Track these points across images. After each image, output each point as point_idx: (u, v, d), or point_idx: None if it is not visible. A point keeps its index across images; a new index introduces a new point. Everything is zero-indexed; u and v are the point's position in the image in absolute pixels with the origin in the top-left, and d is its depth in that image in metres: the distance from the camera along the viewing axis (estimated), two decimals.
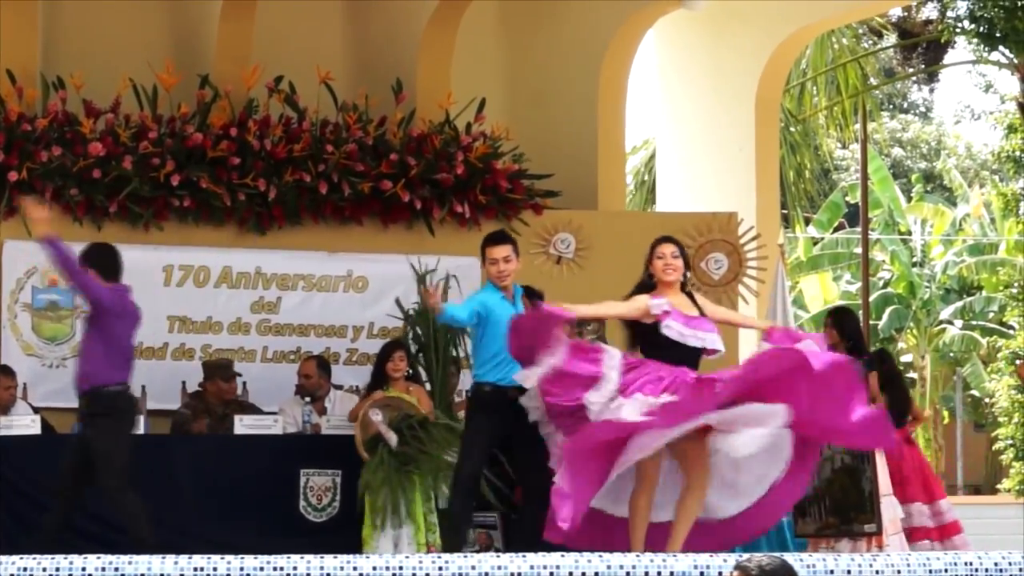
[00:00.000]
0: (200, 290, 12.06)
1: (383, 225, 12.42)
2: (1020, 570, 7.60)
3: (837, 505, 10.45)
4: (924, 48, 27.56)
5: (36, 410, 10.87)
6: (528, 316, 8.93)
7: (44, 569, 6.98)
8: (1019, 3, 13.07)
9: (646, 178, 20.40)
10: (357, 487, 9.98)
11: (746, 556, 5.48)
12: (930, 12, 21.22)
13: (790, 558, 7.25)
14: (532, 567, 7.22)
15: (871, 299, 24.95)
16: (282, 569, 7.09)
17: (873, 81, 20.89)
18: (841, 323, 11.02)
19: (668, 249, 8.96)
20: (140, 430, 10.51)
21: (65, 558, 7.03)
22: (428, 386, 10.86)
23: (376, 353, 10.77)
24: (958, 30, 14.34)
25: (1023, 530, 17.31)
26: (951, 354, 29.99)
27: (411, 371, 10.50)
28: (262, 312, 12.29)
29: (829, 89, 19.46)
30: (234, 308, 12.22)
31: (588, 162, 13.50)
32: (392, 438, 9.94)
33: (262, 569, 7.10)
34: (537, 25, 13.81)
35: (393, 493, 9.90)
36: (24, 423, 10.47)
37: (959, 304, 29.35)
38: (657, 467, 8.61)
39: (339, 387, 11.68)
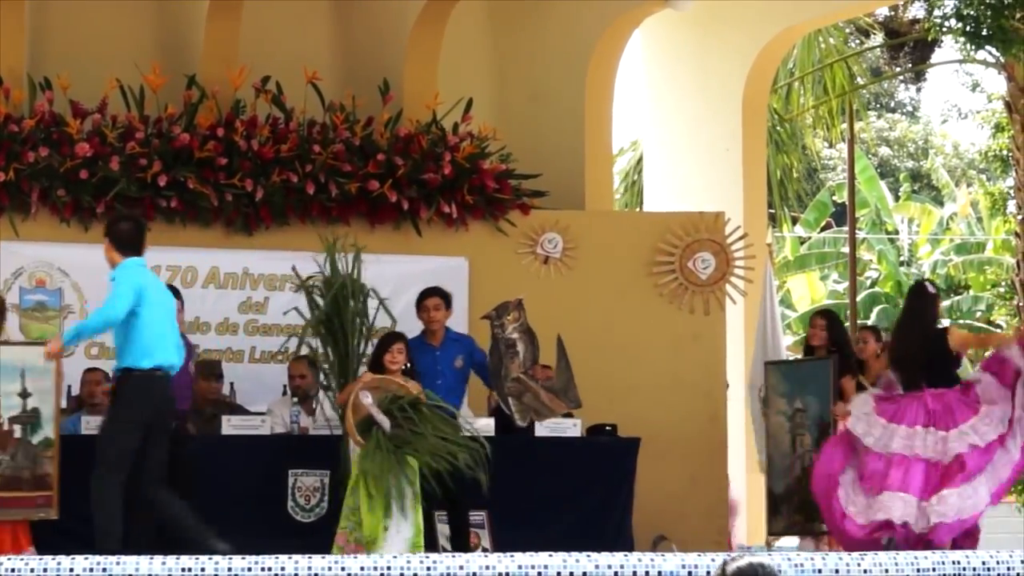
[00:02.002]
0: (188, 291, 11.96)
1: (370, 225, 12.40)
2: (1008, 569, 7.62)
3: (803, 502, 10.60)
4: (911, 47, 27.55)
5: None
6: None
7: (32, 570, 6.97)
8: (1005, 1, 13.07)
9: (635, 179, 20.34)
10: (344, 483, 9.77)
11: (732, 555, 5.48)
12: (917, 11, 21.23)
13: (778, 556, 7.26)
14: (520, 567, 7.22)
15: (858, 298, 24.92)
16: (270, 569, 7.09)
17: (860, 80, 20.88)
18: (833, 326, 11.08)
19: None
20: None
21: (53, 558, 7.02)
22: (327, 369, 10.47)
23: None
24: (944, 29, 14.35)
25: (1017, 529, 17.36)
26: None
27: (408, 365, 10.20)
28: (250, 312, 12.28)
29: (816, 89, 19.42)
30: (222, 309, 12.21)
31: (575, 162, 13.49)
32: (384, 421, 9.63)
33: (250, 569, 7.09)
34: (524, 25, 13.80)
35: (395, 478, 9.56)
36: None
37: (947, 303, 29.32)
38: None
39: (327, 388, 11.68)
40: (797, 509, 10.81)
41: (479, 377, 11.09)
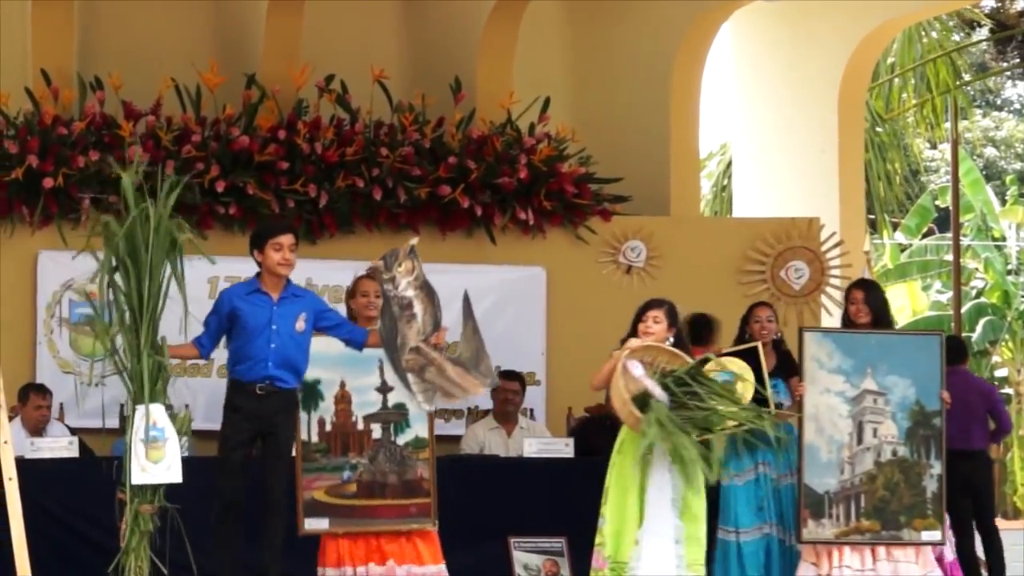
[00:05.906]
0: None
1: (441, 233, 12.29)
2: None
3: (880, 506, 9.60)
4: (1019, 41, 27.27)
5: (73, 431, 10.67)
6: None
7: None
8: None
9: (725, 184, 20.26)
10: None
11: None
12: None
13: None
14: None
15: (964, 309, 24.56)
16: None
17: (965, 77, 20.69)
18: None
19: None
20: (185, 452, 10.13)
21: None
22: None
23: None
24: None
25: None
26: None
27: (676, 335, 9.00)
28: None
29: (919, 86, 19.57)
30: None
31: (660, 165, 13.31)
32: (661, 394, 8.66)
33: None
34: (604, 19, 13.66)
35: (685, 447, 8.48)
36: (60, 445, 10.22)
37: None
38: None
39: None
40: (869, 513, 9.72)
41: (337, 338, 9.28)
